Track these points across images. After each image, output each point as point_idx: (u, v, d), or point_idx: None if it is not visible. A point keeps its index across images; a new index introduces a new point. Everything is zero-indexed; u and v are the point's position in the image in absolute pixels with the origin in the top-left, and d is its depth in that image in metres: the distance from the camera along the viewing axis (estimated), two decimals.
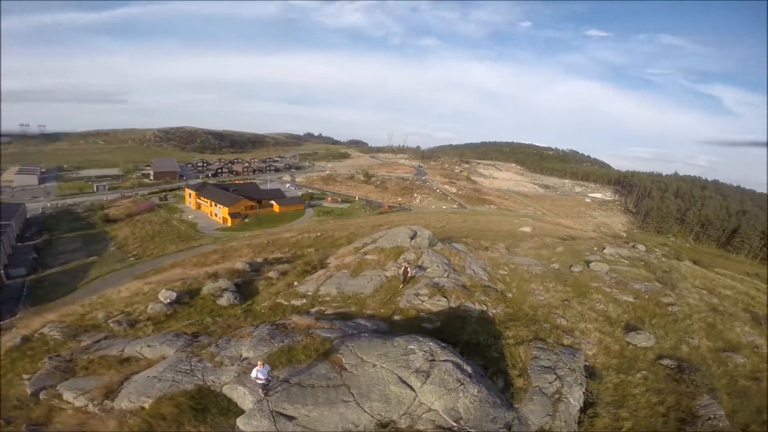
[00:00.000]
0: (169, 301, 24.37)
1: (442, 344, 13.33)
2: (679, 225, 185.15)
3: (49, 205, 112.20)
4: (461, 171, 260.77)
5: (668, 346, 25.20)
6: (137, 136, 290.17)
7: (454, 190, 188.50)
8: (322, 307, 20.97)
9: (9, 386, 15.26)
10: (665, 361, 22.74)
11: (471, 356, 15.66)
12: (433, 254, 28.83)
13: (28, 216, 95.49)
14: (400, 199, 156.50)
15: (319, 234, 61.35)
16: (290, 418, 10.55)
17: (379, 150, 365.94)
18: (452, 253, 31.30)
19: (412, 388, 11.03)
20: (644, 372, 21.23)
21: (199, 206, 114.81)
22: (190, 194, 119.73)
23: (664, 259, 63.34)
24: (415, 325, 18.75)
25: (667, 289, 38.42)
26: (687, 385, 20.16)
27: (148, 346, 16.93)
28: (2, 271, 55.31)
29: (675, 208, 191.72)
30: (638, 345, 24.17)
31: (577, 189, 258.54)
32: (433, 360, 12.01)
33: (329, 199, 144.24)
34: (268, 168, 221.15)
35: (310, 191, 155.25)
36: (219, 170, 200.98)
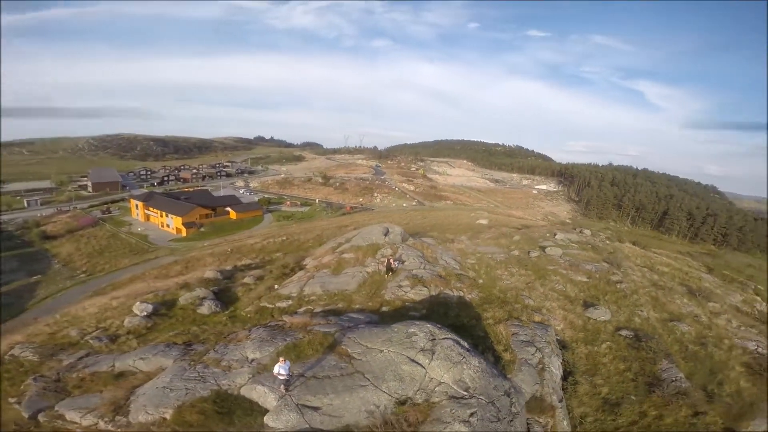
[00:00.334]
0: (145, 313, 23.79)
1: (438, 325, 14.55)
2: (617, 210, 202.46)
3: None
4: (417, 169, 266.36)
5: (623, 318, 28.47)
6: (68, 145, 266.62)
7: (412, 188, 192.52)
8: (309, 307, 21.54)
9: None
10: (623, 332, 25.79)
11: (460, 336, 17.08)
12: (407, 248, 30.19)
13: None
14: (361, 200, 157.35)
15: (284, 238, 60.80)
16: (315, 408, 11.13)
17: (335, 151, 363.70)
18: (424, 247, 32.86)
19: (421, 366, 12.15)
20: (608, 343, 24.02)
21: (147, 217, 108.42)
22: (136, 205, 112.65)
23: (608, 241, 69.70)
24: (402, 314, 19.89)
25: (614, 269, 42.73)
26: (647, 352, 23.09)
27: (142, 358, 16.77)
28: None
29: (612, 195, 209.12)
30: (598, 319, 27.11)
31: (525, 182, 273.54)
32: (434, 339, 13.21)
33: (288, 203, 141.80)
34: (218, 174, 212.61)
35: (266, 196, 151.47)
36: (165, 178, 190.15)
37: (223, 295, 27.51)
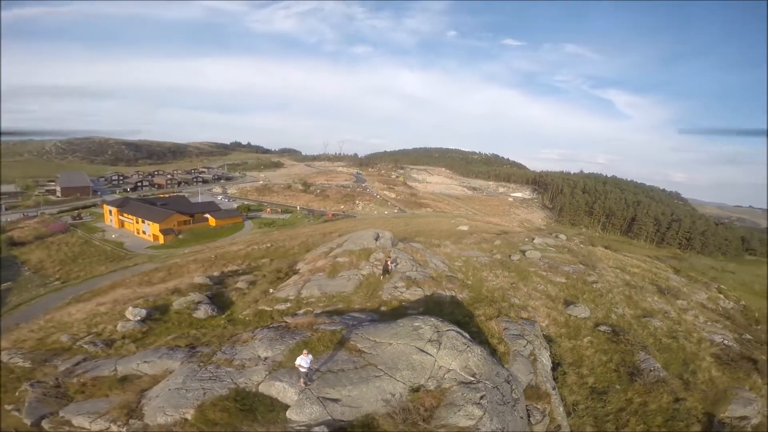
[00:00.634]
0: (139, 318, 23.61)
1: (441, 319, 15.48)
2: (589, 217, 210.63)
3: None
4: (397, 177, 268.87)
5: (601, 315, 30.35)
6: (34, 147, 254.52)
7: (393, 195, 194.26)
8: (309, 308, 21.98)
9: None
10: (602, 328, 27.56)
11: None
12: (398, 252, 31.13)
13: None
14: (342, 207, 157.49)
15: (269, 245, 60.55)
16: (335, 400, 11.63)
17: (315, 158, 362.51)
18: (413, 251, 33.89)
19: (430, 355, 12.97)
20: (589, 337, 25.64)
21: (122, 224, 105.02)
22: (110, 211, 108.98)
23: (582, 245, 73.06)
24: (401, 313, 20.66)
25: (589, 270, 45.14)
26: (625, 345, 24.81)
27: (146, 362, 16.70)
28: None
29: (584, 202, 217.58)
30: (578, 316, 28.82)
31: (501, 189, 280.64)
32: (439, 331, 14.10)
33: (268, 210, 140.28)
34: (194, 180, 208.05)
35: (246, 203, 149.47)
36: (139, 184, 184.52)
37: (217, 299, 27.48)
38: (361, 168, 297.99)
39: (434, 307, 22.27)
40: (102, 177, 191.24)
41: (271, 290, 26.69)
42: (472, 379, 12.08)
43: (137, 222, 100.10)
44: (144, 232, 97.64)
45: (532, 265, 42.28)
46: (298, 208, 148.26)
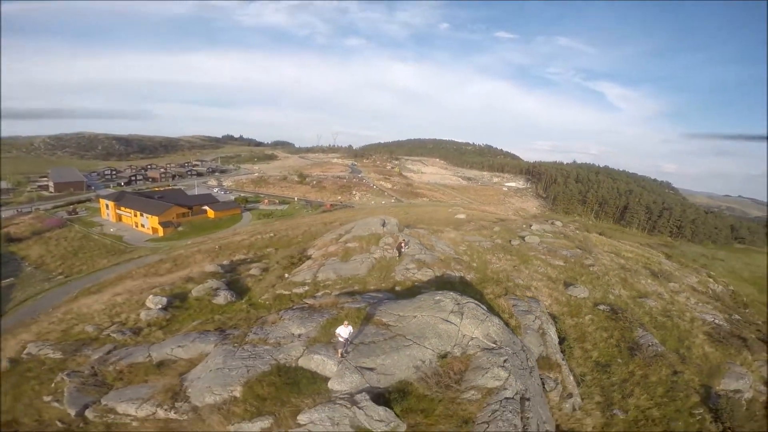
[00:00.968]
0: (160, 306, 24.12)
1: (458, 293, 16.54)
2: (582, 206, 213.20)
3: None
4: (393, 168, 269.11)
5: (599, 296, 31.80)
6: (23, 144, 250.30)
7: (389, 185, 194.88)
8: (327, 291, 22.92)
9: (36, 413, 14.28)
10: (601, 307, 28.98)
11: None
12: (406, 237, 32.10)
13: None
14: (339, 198, 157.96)
15: (272, 235, 61.23)
16: (371, 369, 12.53)
17: (309, 150, 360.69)
18: (420, 236, 34.93)
19: (454, 324, 14.01)
20: (590, 315, 27.03)
21: (119, 218, 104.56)
22: (107, 205, 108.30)
23: (577, 231, 74.88)
24: (415, 293, 21.68)
25: (586, 254, 46.66)
26: (623, 323, 26.19)
27: (180, 346, 17.03)
28: None
29: (577, 191, 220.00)
30: (578, 296, 30.20)
31: (495, 179, 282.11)
32: (459, 303, 15.14)
33: (266, 201, 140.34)
34: (188, 173, 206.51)
35: (242, 195, 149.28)
36: (132, 178, 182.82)
37: (232, 286, 28.27)
38: (355, 159, 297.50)
39: (445, 286, 23.27)
40: (94, 172, 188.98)
41: (286, 275, 27.55)
42: (494, 345, 13.16)
43: (135, 215, 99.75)
44: (142, 225, 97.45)
45: (531, 250, 43.71)
46: (296, 199, 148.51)
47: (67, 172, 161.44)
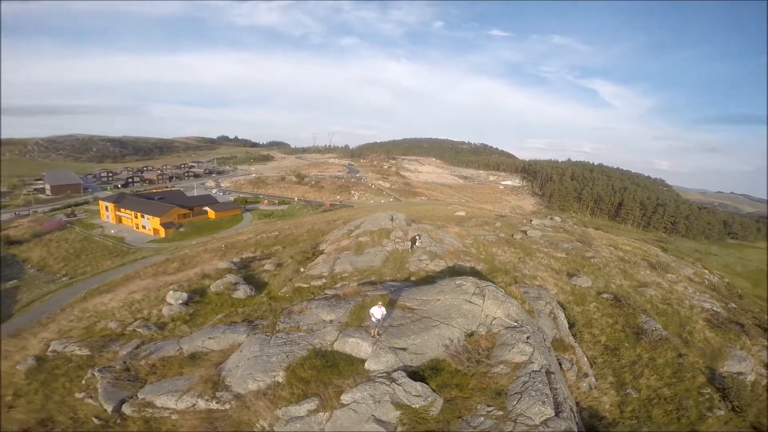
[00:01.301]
0: (181, 301, 24.72)
1: (477, 277, 17.41)
2: (578, 202, 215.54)
3: None
4: (390, 167, 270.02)
5: (601, 285, 32.89)
6: (15, 147, 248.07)
7: (387, 185, 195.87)
8: (344, 282, 23.69)
9: (69, 410, 14.21)
10: (604, 295, 30.05)
11: None
12: (415, 231, 32.97)
13: None
14: (338, 197, 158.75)
15: (277, 233, 61.79)
16: (403, 349, 13.13)
17: (305, 150, 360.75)
18: (427, 230, 35.79)
19: (478, 305, 14.86)
20: (595, 303, 28.06)
21: (119, 219, 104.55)
22: (106, 207, 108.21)
23: (576, 226, 76.24)
24: (429, 282, 22.58)
25: (586, 247, 47.88)
26: (627, 309, 27.24)
27: (211, 338, 17.28)
28: None
29: (572, 188, 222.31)
30: (582, 286, 31.25)
31: (491, 178, 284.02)
32: (480, 286, 15.98)
33: (266, 202, 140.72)
34: (185, 174, 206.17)
35: (242, 195, 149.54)
36: (129, 180, 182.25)
37: (249, 281, 28.92)
38: (352, 159, 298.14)
39: (458, 275, 24.22)
40: (89, 174, 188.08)
41: (302, 269, 28.29)
42: (516, 324, 14.04)
43: (136, 217, 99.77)
44: (143, 227, 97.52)
45: (534, 243, 44.85)
46: (296, 200, 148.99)
47: (64, 175, 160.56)
